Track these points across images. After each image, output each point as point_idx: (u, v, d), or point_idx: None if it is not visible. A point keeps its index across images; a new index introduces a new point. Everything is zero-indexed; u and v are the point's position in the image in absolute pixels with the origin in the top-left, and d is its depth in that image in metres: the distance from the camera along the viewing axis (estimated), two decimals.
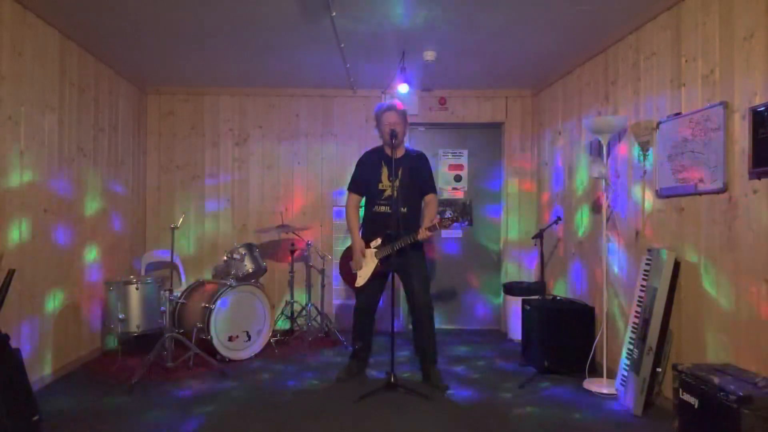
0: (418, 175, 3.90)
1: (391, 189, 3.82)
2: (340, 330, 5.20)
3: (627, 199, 3.92)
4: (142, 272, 5.25)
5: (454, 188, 5.87)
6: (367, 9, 3.63)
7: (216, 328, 4.33)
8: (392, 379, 3.58)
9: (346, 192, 4.07)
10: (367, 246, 3.87)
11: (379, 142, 4.02)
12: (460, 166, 5.89)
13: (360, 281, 3.88)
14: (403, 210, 3.80)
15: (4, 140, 3.36)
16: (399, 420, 3.20)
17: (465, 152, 5.90)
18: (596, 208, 4.33)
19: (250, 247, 4.96)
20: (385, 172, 3.88)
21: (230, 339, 4.43)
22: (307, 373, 4.14)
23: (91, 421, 3.18)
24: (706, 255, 3.11)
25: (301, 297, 5.39)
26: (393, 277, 3.79)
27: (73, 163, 4.19)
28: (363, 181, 3.98)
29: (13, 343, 2.94)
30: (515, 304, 4.99)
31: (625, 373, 3.49)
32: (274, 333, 4.91)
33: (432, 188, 3.96)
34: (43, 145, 3.79)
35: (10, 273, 2.99)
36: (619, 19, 3.73)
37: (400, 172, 3.84)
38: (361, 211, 4.07)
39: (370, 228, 3.91)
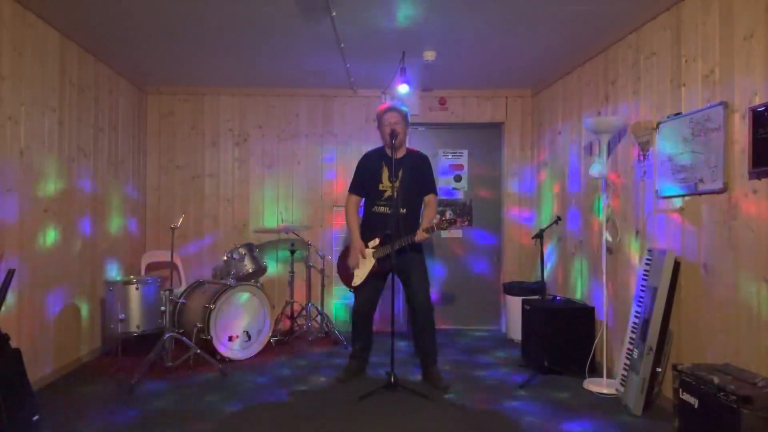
0: (418, 175, 3.89)
1: (391, 190, 3.81)
2: (340, 330, 5.20)
3: (627, 199, 3.93)
4: (142, 272, 5.25)
5: (454, 188, 5.87)
6: (367, 9, 3.63)
7: (216, 328, 4.33)
8: (392, 379, 3.58)
9: (347, 192, 4.07)
10: (366, 246, 3.87)
11: (379, 143, 4.02)
12: (460, 166, 5.89)
13: (356, 281, 3.88)
14: (403, 211, 3.80)
15: (4, 140, 3.36)
16: (399, 420, 3.20)
17: (465, 152, 5.90)
18: (596, 208, 4.33)
19: (250, 247, 4.97)
20: (385, 172, 3.87)
21: (230, 339, 4.43)
22: (307, 374, 4.14)
23: (91, 421, 3.18)
24: (706, 255, 3.11)
25: (301, 297, 5.38)
26: (393, 278, 3.79)
27: (73, 163, 4.19)
28: (363, 182, 3.98)
29: (13, 343, 2.94)
30: (515, 304, 4.99)
31: (625, 373, 3.49)
32: (274, 333, 4.91)
33: (432, 189, 3.96)
34: (43, 145, 3.79)
35: (10, 273, 2.99)
36: (619, 19, 3.73)
37: (400, 173, 3.84)
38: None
39: (369, 228, 3.91)
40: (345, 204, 4.07)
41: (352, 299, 4.05)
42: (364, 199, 4.02)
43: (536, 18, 3.77)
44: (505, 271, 5.78)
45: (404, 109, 3.91)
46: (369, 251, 3.85)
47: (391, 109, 3.86)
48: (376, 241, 3.83)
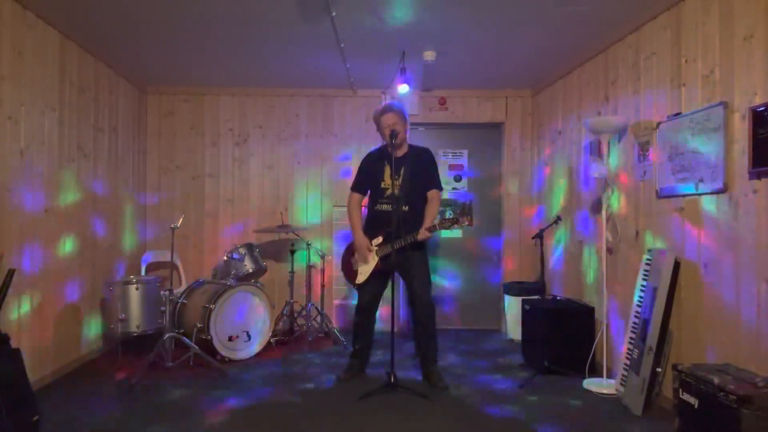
0: (421, 172, 3.89)
1: (393, 187, 3.82)
2: (340, 330, 5.20)
3: (627, 199, 3.93)
4: (142, 272, 5.25)
5: (454, 188, 5.87)
6: (367, 9, 3.63)
7: (216, 328, 4.33)
8: (392, 379, 3.58)
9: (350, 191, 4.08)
10: (370, 244, 3.87)
11: (380, 141, 4.02)
12: (460, 166, 5.89)
13: (360, 278, 3.88)
14: (405, 209, 3.80)
15: (4, 140, 3.36)
16: (399, 420, 3.20)
17: (465, 152, 5.91)
18: (596, 208, 4.33)
19: (250, 247, 4.97)
20: (387, 170, 3.88)
21: (230, 339, 4.43)
22: (307, 373, 4.14)
23: (91, 422, 3.18)
24: (706, 255, 3.11)
25: (301, 297, 5.38)
26: (394, 277, 3.78)
27: (73, 163, 4.19)
28: (365, 181, 3.99)
29: (13, 343, 2.94)
30: (515, 304, 4.99)
31: (625, 373, 3.49)
32: (274, 333, 4.91)
33: (435, 185, 3.94)
34: (43, 145, 3.79)
35: (10, 273, 2.99)
36: (619, 19, 3.73)
37: (402, 171, 3.84)
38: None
39: (372, 226, 3.92)
40: (347, 202, 4.07)
41: (352, 299, 4.05)
42: (368, 198, 4.02)
43: (536, 18, 3.77)
44: (505, 271, 5.78)
45: (401, 107, 3.90)
46: (372, 249, 3.85)
47: (387, 110, 3.86)
48: (380, 239, 3.83)
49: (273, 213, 5.65)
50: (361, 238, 3.88)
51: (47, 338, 3.84)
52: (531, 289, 5.06)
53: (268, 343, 4.72)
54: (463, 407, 3.45)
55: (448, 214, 3.65)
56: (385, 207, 3.88)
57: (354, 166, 4.11)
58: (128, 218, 5.25)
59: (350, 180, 4.11)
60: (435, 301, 3.95)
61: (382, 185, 3.90)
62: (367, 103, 5.73)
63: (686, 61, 3.28)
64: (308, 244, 5.28)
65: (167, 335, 4.05)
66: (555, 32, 4.04)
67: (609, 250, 4.05)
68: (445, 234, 5.78)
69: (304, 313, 5.22)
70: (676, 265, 3.30)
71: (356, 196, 4.03)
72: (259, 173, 5.76)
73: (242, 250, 4.87)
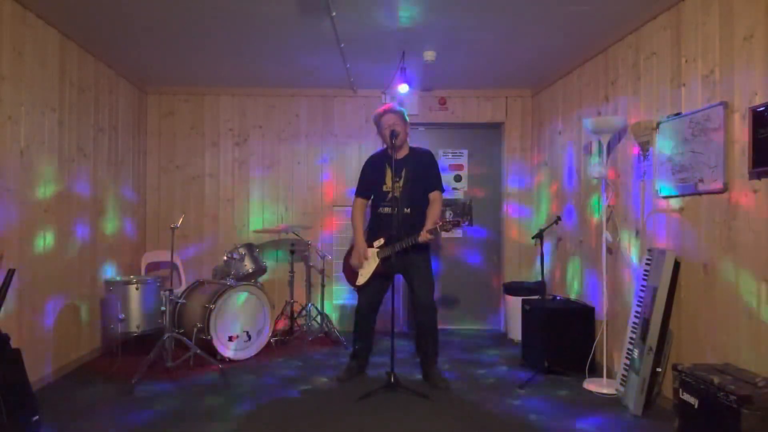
0: (422, 173, 3.89)
1: (394, 190, 3.82)
2: (340, 330, 5.20)
3: (627, 199, 3.93)
4: (142, 272, 5.25)
5: (454, 188, 5.87)
6: (367, 9, 3.63)
7: (216, 328, 4.33)
8: (392, 379, 3.58)
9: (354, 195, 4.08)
10: (371, 246, 3.87)
11: (380, 142, 4.02)
12: (460, 166, 5.89)
13: (360, 280, 3.89)
14: (407, 211, 3.80)
15: (4, 140, 3.36)
16: (399, 420, 3.20)
17: (465, 152, 5.91)
18: (596, 208, 4.33)
19: (250, 247, 4.97)
20: (389, 173, 3.87)
21: (230, 339, 4.43)
22: (307, 374, 4.14)
23: (91, 422, 3.18)
24: (706, 255, 3.11)
25: (301, 297, 5.38)
26: (395, 279, 3.78)
27: (73, 163, 4.19)
28: (368, 184, 3.99)
29: (13, 344, 2.94)
30: (515, 304, 4.99)
31: (625, 373, 3.49)
32: (274, 333, 4.91)
33: (437, 186, 3.94)
34: (43, 145, 3.78)
35: (10, 273, 2.99)
36: (619, 19, 3.73)
37: (403, 173, 3.84)
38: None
39: (375, 229, 3.92)
40: (352, 207, 4.08)
41: (353, 299, 4.05)
42: (371, 201, 4.03)
43: (536, 18, 3.77)
44: (505, 271, 5.78)
45: (401, 109, 3.91)
46: (373, 251, 3.85)
47: (387, 111, 3.86)
48: (381, 241, 3.83)
49: (273, 213, 5.65)
50: (360, 242, 3.88)
51: (47, 338, 3.84)
52: (531, 289, 5.05)
53: (268, 343, 4.73)
54: (463, 407, 3.45)
55: (448, 215, 3.65)
56: (386, 210, 3.87)
57: (353, 166, 4.10)
58: (128, 218, 5.24)
59: (349, 180, 4.11)
60: (436, 303, 3.95)
61: (384, 188, 3.90)
62: (367, 103, 5.73)
63: (686, 61, 3.28)
64: (308, 244, 5.28)
65: (167, 335, 4.05)
66: (555, 32, 4.04)
67: (609, 250, 4.05)
68: (445, 234, 5.76)
69: (304, 313, 5.22)
70: (676, 265, 3.30)
71: (360, 200, 4.03)
72: (259, 173, 5.76)
73: (242, 250, 4.88)
